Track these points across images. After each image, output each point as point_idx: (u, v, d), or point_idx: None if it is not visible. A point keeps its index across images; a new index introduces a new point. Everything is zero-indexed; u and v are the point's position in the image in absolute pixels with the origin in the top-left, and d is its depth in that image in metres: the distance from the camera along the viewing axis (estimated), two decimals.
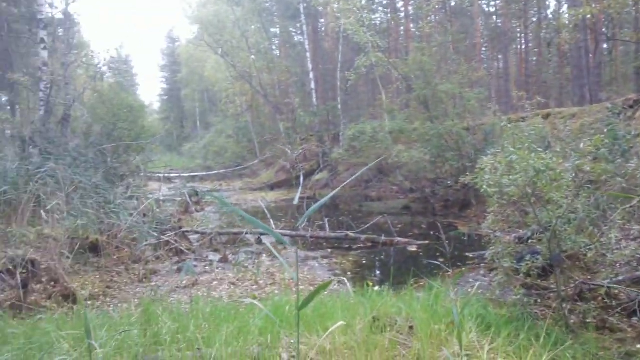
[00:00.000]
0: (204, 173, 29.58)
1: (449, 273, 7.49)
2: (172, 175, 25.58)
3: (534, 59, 30.49)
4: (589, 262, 6.24)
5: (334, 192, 2.66)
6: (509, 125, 6.33)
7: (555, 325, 4.84)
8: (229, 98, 36.00)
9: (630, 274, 5.72)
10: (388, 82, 25.21)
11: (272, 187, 24.43)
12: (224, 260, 9.16)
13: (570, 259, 6.07)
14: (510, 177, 5.06)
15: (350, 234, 10.63)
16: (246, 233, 10.68)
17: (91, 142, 12.40)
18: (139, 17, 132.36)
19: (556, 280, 5.23)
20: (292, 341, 4.03)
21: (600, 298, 5.39)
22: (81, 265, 8.20)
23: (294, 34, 37.69)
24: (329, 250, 10.11)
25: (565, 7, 27.53)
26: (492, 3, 33.77)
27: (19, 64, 15.78)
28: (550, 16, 29.16)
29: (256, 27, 32.20)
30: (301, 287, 7.36)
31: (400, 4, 34.49)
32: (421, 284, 6.83)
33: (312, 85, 29.00)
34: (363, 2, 24.29)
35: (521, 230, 6.87)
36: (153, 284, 7.73)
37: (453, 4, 28.95)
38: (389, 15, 35.01)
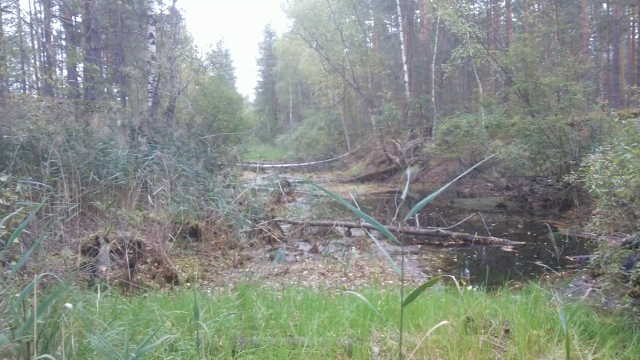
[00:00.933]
0: (296, 164, 30.20)
1: (560, 275, 7.10)
2: (265, 165, 26.38)
3: None
4: None
5: (444, 187, 2.59)
6: (622, 122, 5.85)
7: None
8: (321, 91, 36.45)
9: None
10: (485, 74, 24.28)
11: (362, 180, 24.45)
12: (314, 250, 9.31)
13: None
14: (622, 177, 4.69)
15: (441, 230, 10.40)
16: (336, 225, 10.78)
17: (193, 132, 13.08)
18: (238, 12, 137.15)
19: None
20: (382, 336, 4.02)
21: None
22: (182, 248, 8.68)
23: (388, 25, 37.34)
24: (419, 246, 9.96)
25: None
26: None
27: (130, 58, 16.99)
28: None
29: (351, 20, 32.25)
30: (390, 282, 7.32)
31: None
32: (516, 286, 6.54)
33: (405, 78, 28.58)
34: None
35: (629, 235, 6.36)
36: (247, 269, 8.02)
37: None
38: (489, 5, 33.63)
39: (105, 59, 18.36)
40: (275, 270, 7.96)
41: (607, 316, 5.01)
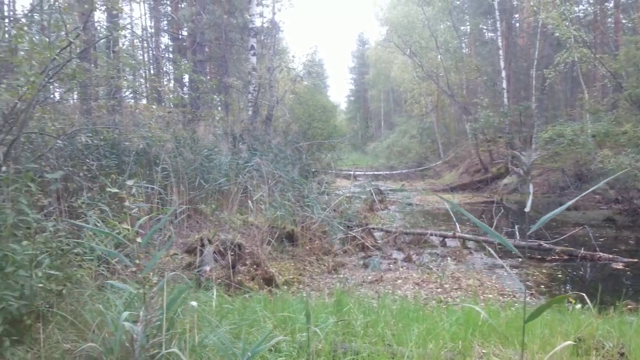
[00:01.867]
0: (387, 172, 30.06)
1: None
2: (357, 173, 26.49)
3: None
4: None
5: (574, 200, 2.49)
6: None
7: None
8: (414, 98, 36.06)
9: None
10: (591, 80, 22.78)
11: (455, 189, 23.83)
12: (408, 259, 9.22)
13: None
14: None
15: (544, 243, 9.88)
16: (430, 234, 10.60)
17: (289, 139, 13.48)
18: (331, 22, 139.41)
19: None
20: (484, 351, 3.91)
21: None
22: (278, 252, 8.94)
23: (485, 31, 36.18)
24: (519, 259, 9.53)
25: None
26: None
27: (232, 69, 17.86)
28: None
29: (446, 26, 31.65)
30: (489, 296, 7.08)
31: None
32: (630, 306, 6.08)
33: (504, 85, 27.51)
34: None
35: None
36: (341, 275, 8.11)
37: None
38: (595, 7, 31.55)
39: (208, 70, 19.41)
40: (369, 277, 7.97)
41: None
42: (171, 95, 11.12)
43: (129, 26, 11.67)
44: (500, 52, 27.86)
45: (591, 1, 32.10)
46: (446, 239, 10.67)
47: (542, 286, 7.82)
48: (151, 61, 24.04)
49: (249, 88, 13.90)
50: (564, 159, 18.75)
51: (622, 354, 3.88)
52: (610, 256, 9.31)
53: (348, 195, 12.80)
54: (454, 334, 4.21)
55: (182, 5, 16.41)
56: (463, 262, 9.21)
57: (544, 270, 8.72)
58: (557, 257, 9.52)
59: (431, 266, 8.68)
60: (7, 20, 6.19)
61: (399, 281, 7.83)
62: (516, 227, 10.50)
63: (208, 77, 16.62)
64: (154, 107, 9.31)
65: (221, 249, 7.92)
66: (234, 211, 9.31)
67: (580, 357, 3.71)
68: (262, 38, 17.43)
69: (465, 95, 31.67)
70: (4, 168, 4.10)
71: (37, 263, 3.45)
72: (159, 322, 2.81)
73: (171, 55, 22.62)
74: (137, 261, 3.34)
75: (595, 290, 7.17)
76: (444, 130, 33.19)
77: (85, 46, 6.04)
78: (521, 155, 20.49)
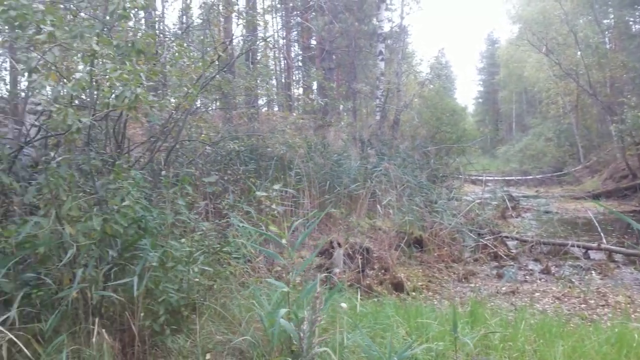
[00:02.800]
0: (520, 177, 28.43)
1: None
2: (486, 178, 25.41)
3: None
4: None
5: None
6: None
7: None
8: (550, 98, 33.72)
9: None
10: None
11: (598, 196, 21.80)
12: (546, 271, 8.66)
13: None
14: None
15: None
16: (571, 245, 9.85)
17: (417, 144, 13.35)
18: (457, 23, 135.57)
19: None
20: None
21: None
22: (406, 257, 8.89)
23: (631, 23, 32.78)
24: None
25: None
26: None
27: (360, 75, 18.12)
28: None
29: (586, 20, 29.21)
30: None
31: None
32: None
33: None
34: None
35: None
36: (472, 285, 7.85)
37: None
38: None
39: (335, 77, 19.88)
40: (504, 288, 7.62)
41: None
42: (302, 102, 11.57)
43: (270, 39, 12.37)
44: None
45: None
46: (590, 251, 9.83)
47: None
48: (282, 70, 25.23)
49: (376, 93, 14.01)
50: None
51: None
52: None
53: (479, 201, 12.34)
54: (605, 355, 3.89)
55: (311, 15, 17.00)
56: (610, 276, 8.43)
57: None
58: None
59: (573, 279, 8.06)
60: (165, 37, 6.90)
61: (537, 294, 7.39)
62: None
63: (335, 84, 17.04)
64: (295, 114, 9.76)
65: (350, 252, 8.08)
66: (362, 215, 9.43)
67: None
68: (390, 43, 17.46)
69: (610, 94, 28.89)
70: (164, 172, 4.57)
71: (193, 259, 3.80)
72: (322, 321, 2.94)
73: (300, 64, 23.55)
74: (285, 261, 3.55)
75: None
76: (585, 133, 30.58)
77: (229, 59, 6.53)
78: None
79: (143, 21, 7.89)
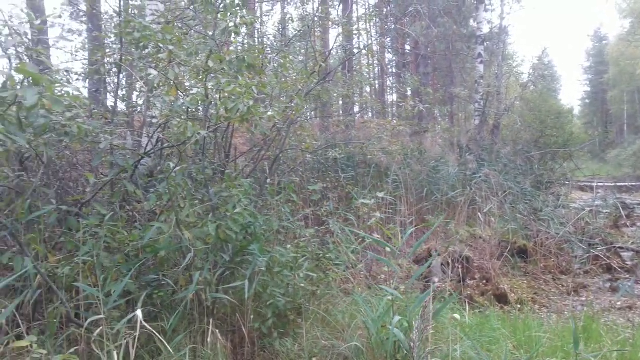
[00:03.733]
0: (634, 184, 26.18)
1: None
2: (596, 184, 23.67)
3: None
4: None
5: None
6: None
7: None
8: None
9: None
10: None
11: None
12: None
13: None
14: None
15: None
16: None
17: (519, 149, 12.77)
18: (560, 20, 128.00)
19: None
20: None
21: None
22: (509, 268, 8.51)
23: None
24: None
25: None
26: None
27: (457, 79, 17.66)
28: None
29: None
30: None
31: None
32: None
33: None
34: None
35: None
36: (583, 298, 7.36)
37: None
38: None
39: (431, 82, 19.54)
40: (619, 303, 7.06)
41: None
42: (396, 109, 11.50)
43: (368, 48, 12.48)
44: None
45: None
46: None
47: None
48: (377, 77, 25.26)
49: (475, 97, 13.58)
50: None
51: None
52: None
53: (589, 209, 11.52)
54: None
55: (406, 20, 16.86)
56: None
57: None
58: None
59: None
60: (267, 50, 7.18)
61: None
62: None
63: (431, 89, 16.76)
64: (395, 121, 9.75)
65: (449, 261, 7.88)
66: (461, 223, 9.17)
67: None
68: (489, 44, 16.86)
69: None
70: (269, 180, 4.76)
71: (298, 265, 3.91)
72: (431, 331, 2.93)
73: (394, 70, 23.42)
74: (397, 269, 3.55)
75: None
76: None
77: (329, 69, 6.66)
78: None
79: (246, 36, 8.26)
